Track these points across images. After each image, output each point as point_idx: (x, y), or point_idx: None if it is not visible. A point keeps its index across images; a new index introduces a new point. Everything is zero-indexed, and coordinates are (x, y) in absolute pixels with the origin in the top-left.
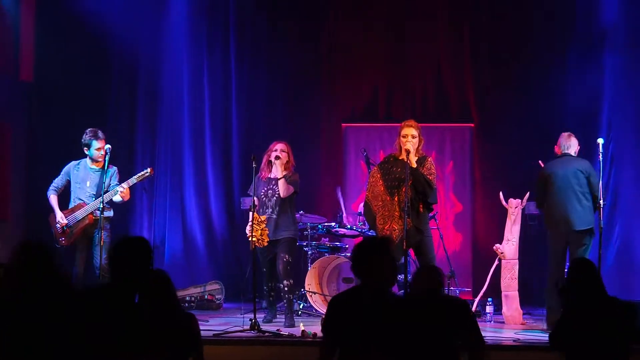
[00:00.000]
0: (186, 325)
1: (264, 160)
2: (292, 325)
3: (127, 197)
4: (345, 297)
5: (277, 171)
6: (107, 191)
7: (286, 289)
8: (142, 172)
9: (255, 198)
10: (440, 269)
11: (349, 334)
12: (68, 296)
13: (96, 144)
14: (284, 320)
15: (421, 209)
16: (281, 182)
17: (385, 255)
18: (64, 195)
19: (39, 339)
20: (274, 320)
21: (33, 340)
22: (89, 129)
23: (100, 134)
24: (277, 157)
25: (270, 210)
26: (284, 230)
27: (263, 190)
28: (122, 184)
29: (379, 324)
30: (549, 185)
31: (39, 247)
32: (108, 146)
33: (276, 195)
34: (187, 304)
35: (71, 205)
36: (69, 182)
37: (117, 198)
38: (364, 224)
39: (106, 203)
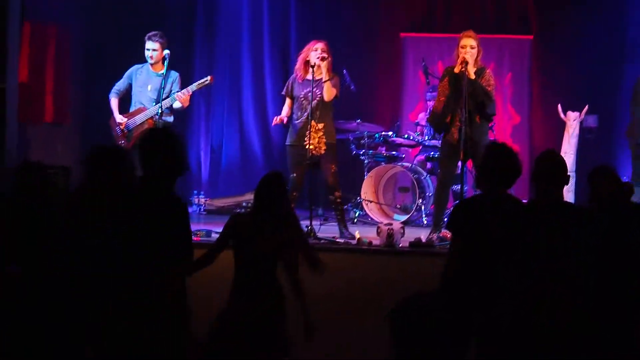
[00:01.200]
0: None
1: (300, 60)
2: (352, 237)
3: (186, 104)
4: (470, 200)
5: (323, 73)
6: (167, 97)
7: (339, 200)
8: (202, 80)
9: (287, 98)
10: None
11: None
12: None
13: (149, 44)
14: (339, 233)
15: (479, 120)
16: (327, 85)
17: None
18: (127, 99)
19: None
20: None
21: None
22: (152, 31)
23: (155, 36)
24: (323, 59)
25: (308, 114)
26: (328, 138)
27: (302, 93)
28: (181, 91)
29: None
30: None
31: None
32: (167, 51)
33: (317, 98)
34: (243, 210)
35: (132, 109)
36: (130, 86)
37: (176, 104)
38: (421, 134)
39: (166, 108)
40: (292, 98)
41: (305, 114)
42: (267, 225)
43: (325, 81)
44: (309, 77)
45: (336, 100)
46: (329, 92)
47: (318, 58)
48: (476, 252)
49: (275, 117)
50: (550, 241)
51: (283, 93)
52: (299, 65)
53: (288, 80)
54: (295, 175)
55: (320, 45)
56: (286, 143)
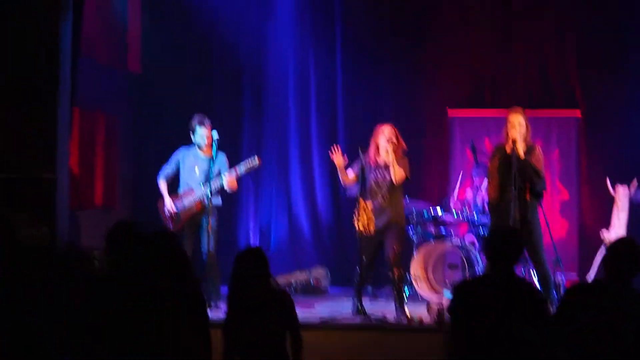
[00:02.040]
0: (281, 301)
1: (372, 144)
2: (406, 316)
3: (235, 187)
4: (472, 284)
5: (389, 157)
6: (215, 178)
7: (397, 278)
8: (250, 162)
9: (352, 172)
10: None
11: (478, 321)
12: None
13: (200, 130)
14: (394, 310)
15: (529, 198)
16: (396, 168)
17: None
18: (174, 181)
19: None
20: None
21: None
22: (196, 114)
23: (206, 121)
24: (389, 141)
25: (382, 197)
26: (394, 217)
27: (372, 177)
28: (229, 172)
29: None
30: None
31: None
32: (215, 135)
33: (387, 182)
34: (292, 289)
35: (180, 191)
36: (178, 168)
37: (226, 187)
38: (469, 212)
39: (215, 191)
40: (358, 175)
41: (379, 198)
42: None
43: (392, 165)
44: (380, 161)
45: (409, 180)
46: (397, 175)
47: (386, 141)
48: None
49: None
50: None
51: (352, 170)
52: (370, 149)
53: (359, 160)
54: (364, 259)
55: (388, 129)
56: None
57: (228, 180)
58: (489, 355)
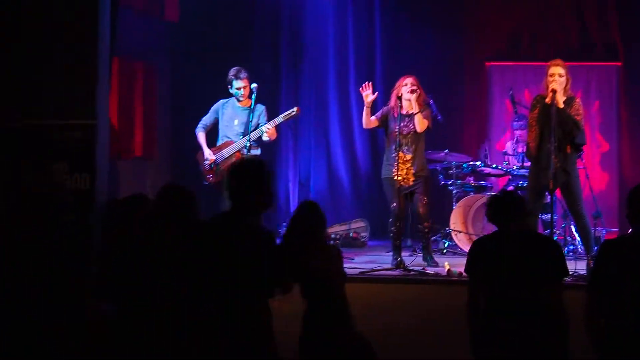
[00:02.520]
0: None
1: (393, 96)
2: (436, 265)
3: (273, 137)
4: (487, 240)
5: (414, 106)
6: (254, 129)
7: (427, 230)
8: (289, 112)
9: (375, 118)
10: None
11: (492, 277)
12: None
13: (237, 83)
14: (422, 259)
15: (569, 150)
16: (418, 117)
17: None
18: (212, 133)
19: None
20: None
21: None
22: (233, 68)
23: (242, 73)
24: (413, 91)
25: (406, 148)
26: (420, 169)
27: (397, 128)
28: (268, 124)
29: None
30: None
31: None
32: (254, 85)
33: (412, 131)
34: (332, 242)
35: (219, 143)
36: (217, 120)
37: (264, 137)
38: (509, 163)
39: (253, 141)
40: (382, 125)
41: (404, 148)
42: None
43: (416, 113)
44: (403, 111)
45: (430, 130)
46: (421, 124)
47: (409, 92)
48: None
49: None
50: None
51: (375, 116)
52: (391, 101)
53: (383, 108)
54: (395, 205)
55: (409, 80)
56: (382, 176)
57: (265, 131)
58: (505, 300)
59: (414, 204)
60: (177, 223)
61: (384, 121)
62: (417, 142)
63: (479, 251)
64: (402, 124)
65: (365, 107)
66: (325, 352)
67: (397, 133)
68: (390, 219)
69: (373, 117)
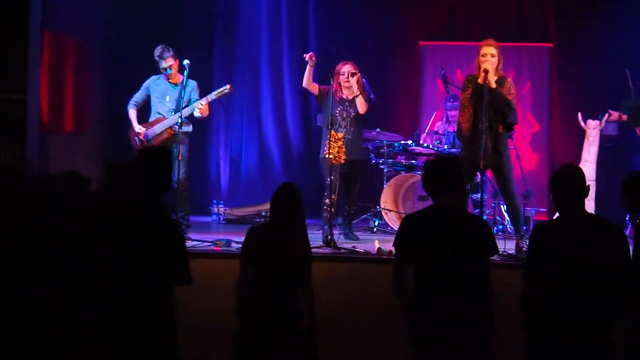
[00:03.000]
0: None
1: (334, 82)
2: (357, 239)
3: (206, 113)
4: (417, 216)
5: (354, 89)
6: (186, 106)
7: (352, 212)
8: (222, 89)
9: (315, 84)
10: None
11: (422, 253)
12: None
13: (162, 63)
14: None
15: (500, 129)
16: (359, 100)
17: (458, 173)
18: (146, 110)
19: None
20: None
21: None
22: (158, 47)
23: (166, 53)
24: (353, 74)
25: (345, 130)
26: (358, 152)
27: (337, 110)
28: (201, 100)
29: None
30: None
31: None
32: (186, 61)
33: (352, 115)
34: (262, 219)
35: (151, 119)
36: (148, 97)
37: (196, 113)
38: (440, 142)
39: (185, 118)
40: (320, 99)
41: (342, 130)
42: (281, 240)
43: (357, 96)
44: (343, 96)
45: (364, 115)
46: (362, 106)
47: (348, 78)
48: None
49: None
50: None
51: (317, 83)
52: (334, 86)
53: (326, 86)
54: (328, 181)
55: (349, 67)
56: (320, 156)
57: (199, 107)
58: (435, 275)
59: (345, 184)
60: (125, 199)
61: (323, 97)
62: (356, 125)
63: (408, 226)
64: (341, 108)
65: (309, 67)
66: (261, 351)
67: (337, 115)
68: (325, 193)
69: (315, 84)
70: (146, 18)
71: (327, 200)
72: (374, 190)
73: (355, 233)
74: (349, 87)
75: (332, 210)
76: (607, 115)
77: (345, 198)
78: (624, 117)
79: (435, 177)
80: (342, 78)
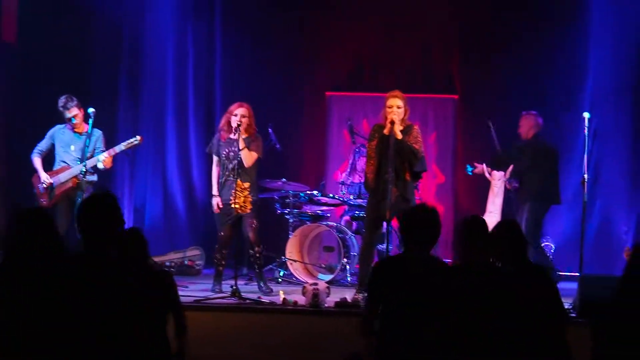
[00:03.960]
0: (162, 282)
1: (223, 121)
2: (271, 291)
3: (109, 165)
4: (391, 262)
5: (239, 141)
6: (91, 155)
7: (257, 255)
8: (131, 140)
9: (215, 157)
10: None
11: (394, 300)
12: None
13: (67, 113)
14: (257, 287)
15: (408, 178)
16: (244, 153)
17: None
18: (49, 158)
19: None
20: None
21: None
22: (62, 97)
23: (69, 103)
24: (238, 125)
25: (229, 173)
26: (253, 194)
27: (224, 152)
28: (108, 151)
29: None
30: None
31: (39, 213)
32: (92, 110)
33: (238, 159)
34: (166, 269)
35: (55, 168)
36: (53, 146)
37: (100, 165)
38: (346, 193)
39: (90, 168)
40: (218, 156)
41: (226, 173)
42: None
43: (242, 149)
44: (232, 136)
45: (261, 160)
46: (247, 159)
47: (234, 124)
48: (400, 310)
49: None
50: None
51: (207, 151)
52: (222, 125)
53: (212, 139)
54: (223, 233)
55: (240, 111)
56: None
57: (103, 159)
58: (403, 330)
59: (244, 228)
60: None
61: (216, 150)
62: (248, 169)
63: (382, 271)
64: (228, 149)
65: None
66: None
67: (224, 158)
68: (217, 246)
69: (214, 164)
70: (51, 66)
71: (224, 251)
72: (280, 241)
73: (269, 285)
74: (238, 134)
75: (223, 259)
76: (472, 167)
77: (248, 242)
78: (488, 169)
79: (410, 229)
80: (233, 118)
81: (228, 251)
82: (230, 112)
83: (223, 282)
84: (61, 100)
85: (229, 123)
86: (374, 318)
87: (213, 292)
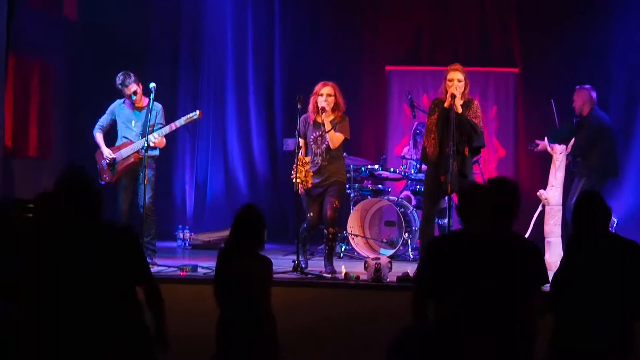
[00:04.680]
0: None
1: (312, 102)
2: (334, 272)
3: (161, 145)
4: (446, 239)
5: (325, 123)
6: (152, 130)
7: (330, 236)
8: (190, 115)
9: (300, 139)
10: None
11: (448, 280)
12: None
13: (126, 90)
14: (323, 266)
15: (467, 153)
16: (330, 135)
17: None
18: (112, 133)
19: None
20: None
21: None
22: (119, 74)
23: (127, 80)
24: (322, 110)
25: (320, 158)
26: (334, 174)
27: (313, 136)
28: (169, 125)
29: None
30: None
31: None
32: (152, 85)
33: (326, 143)
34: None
35: (117, 143)
36: (114, 121)
37: (151, 144)
38: (407, 167)
39: (152, 142)
40: (305, 139)
41: (317, 157)
42: (243, 262)
43: (328, 131)
44: (319, 119)
45: (349, 140)
46: (333, 141)
47: (320, 106)
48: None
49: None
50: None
51: (296, 134)
52: (311, 107)
53: (299, 122)
54: (312, 214)
55: (326, 90)
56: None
57: (154, 141)
58: (459, 312)
59: (324, 206)
60: (78, 218)
61: (303, 133)
62: (335, 151)
63: (435, 248)
64: (316, 133)
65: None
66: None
67: (312, 143)
68: (304, 225)
69: (300, 140)
70: (111, 41)
71: (312, 232)
72: (341, 216)
73: (334, 267)
74: (324, 116)
75: (306, 238)
76: (534, 145)
77: (324, 220)
78: (550, 145)
79: (465, 207)
80: (319, 99)
81: (315, 232)
82: (316, 93)
83: (284, 256)
84: (119, 78)
85: (316, 104)
86: (426, 297)
87: (292, 269)
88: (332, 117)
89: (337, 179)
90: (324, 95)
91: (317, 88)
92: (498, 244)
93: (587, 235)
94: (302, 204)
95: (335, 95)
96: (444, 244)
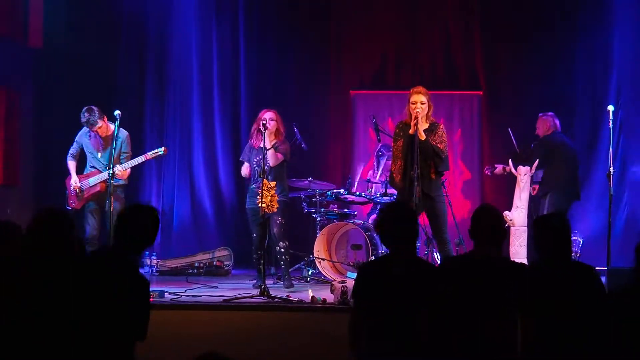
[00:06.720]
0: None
1: (253, 128)
2: (291, 286)
3: (125, 177)
4: (375, 265)
5: (266, 141)
6: (118, 159)
7: (282, 250)
8: (156, 151)
9: (245, 162)
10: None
11: (379, 302)
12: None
13: (92, 128)
14: (282, 282)
15: (433, 176)
16: (270, 153)
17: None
18: (83, 162)
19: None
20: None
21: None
22: (83, 111)
23: (92, 118)
24: (264, 127)
25: (259, 177)
26: (280, 193)
27: (255, 159)
28: (125, 163)
29: (415, 293)
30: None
31: (59, 213)
32: (117, 112)
33: (267, 164)
34: (195, 270)
35: (86, 172)
36: (83, 149)
37: (116, 175)
38: (373, 190)
39: (117, 171)
40: (249, 162)
41: (259, 178)
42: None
43: (267, 149)
44: (262, 144)
45: (288, 162)
46: (272, 159)
47: (261, 127)
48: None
49: None
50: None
51: (241, 159)
52: (252, 132)
53: (245, 147)
54: (255, 235)
55: (268, 114)
56: (246, 206)
57: (118, 172)
58: (391, 335)
59: (270, 226)
60: (54, 249)
61: (247, 157)
62: (276, 171)
63: (364, 275)
64: (259, 157)
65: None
66: None
67: (255, 166)
68: (252, 247)
69: (244, 166)
70: (77, 69)
71: (259, 252)
72: (307, 240)
73: (292, 281)
74: (262, 136)
75: (261, 258)
76: (492, 168)
77: (272, 238)
78: (507, 168)
79: (390, 228)
80: (260, 124)
81: (263, 251)
82: (258, 119)
83: (250, 281)
84: (84, 115)
85: (258, 129)
86: (362, 326)
87: (254, 287)
88: (273, 140)
89: (283, 199)
90: (266, 120)
91: (260, 114)
92: (421, 267)
93: (549, 263)
94: (249, 224)
95: (276, 120)
96: (369, 270)
